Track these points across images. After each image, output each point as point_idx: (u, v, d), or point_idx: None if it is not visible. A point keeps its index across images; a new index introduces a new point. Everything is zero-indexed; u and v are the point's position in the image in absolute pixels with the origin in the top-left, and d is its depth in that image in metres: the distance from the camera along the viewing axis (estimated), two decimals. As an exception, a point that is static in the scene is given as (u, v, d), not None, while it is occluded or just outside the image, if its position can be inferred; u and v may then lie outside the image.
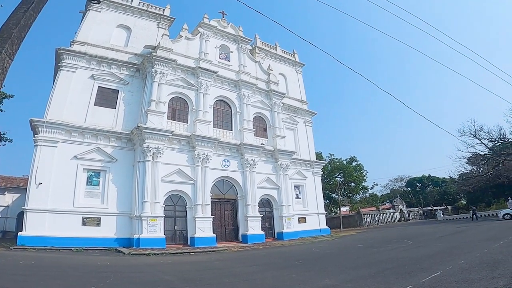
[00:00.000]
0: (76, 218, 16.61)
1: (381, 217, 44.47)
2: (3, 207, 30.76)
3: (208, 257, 14.13)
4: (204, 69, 22.80)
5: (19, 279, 7.35)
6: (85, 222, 16.82)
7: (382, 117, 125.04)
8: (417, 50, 16.35)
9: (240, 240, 21.04)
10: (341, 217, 36.59)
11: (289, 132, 27.99)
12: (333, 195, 43.98)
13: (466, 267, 7.01)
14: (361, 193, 49.26)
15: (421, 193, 58.16)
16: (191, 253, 15.76)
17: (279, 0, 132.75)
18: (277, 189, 24.25)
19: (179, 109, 21.71)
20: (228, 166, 22.11)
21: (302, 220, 25.85)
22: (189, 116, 21.78)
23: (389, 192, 66.05)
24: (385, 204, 59.90)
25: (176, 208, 19.45)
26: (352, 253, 13.29)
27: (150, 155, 18.49)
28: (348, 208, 51.39)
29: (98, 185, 18.03)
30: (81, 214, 16.83)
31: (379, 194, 63.58)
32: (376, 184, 59.95)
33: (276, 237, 23.17)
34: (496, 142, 35.54)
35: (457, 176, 44.18)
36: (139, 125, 18.56)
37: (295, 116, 29.42)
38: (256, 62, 27.58)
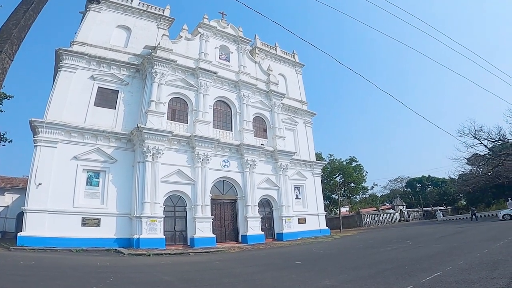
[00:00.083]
0: (75, 218, 16.60)
1: (381, 218, 44.53)
2: (3, 208, 30.79)
3: (208, 257, 14.12)
4: (204, 69, 22.81)
5: (18, 279, 7.34)
6: (84, 222, 16.81)
7: (382, 117, 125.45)
8: (416, 50, 16.39)
9: (240, 240, 21.04)
10: (341, 218, 36.67)
11: (289, 133, 27.98)
12: (333, 195, 43.98)
13: (466, 268, 7.01)
14: (361, 193, 49.19)
15: (421, 193, 58.23)
16: (191, 254, 15.75)
17: (279, 0, 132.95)
18: (277, 190, 24.25)
19: (179, 109, 21.70)
20: (228, 166, 22.11)
21: (302, 220, 25.84)
22: (189, 116, 21.78)
23: (389, 192, 66.12)
24: (385, 204, 59.94)
25: (176, 209, 19.44)
26: (352, 253, 13.28)
27: (150, 155, 18.49)
28: (348, 209, 51.39)
29: (98, 186, 18.03)
30: (80, 214, 16.82)
31: (379, 195, 63.59)
32: (376, 185, 60.13)
33: (276, 237, 23.16)
34: (495, 142, 35.56)
35: (457, 177, 44.25)
36: (138, 125, 18.57)
37: (295, 117, 29.42)
38: (256, 62, 27.59)
